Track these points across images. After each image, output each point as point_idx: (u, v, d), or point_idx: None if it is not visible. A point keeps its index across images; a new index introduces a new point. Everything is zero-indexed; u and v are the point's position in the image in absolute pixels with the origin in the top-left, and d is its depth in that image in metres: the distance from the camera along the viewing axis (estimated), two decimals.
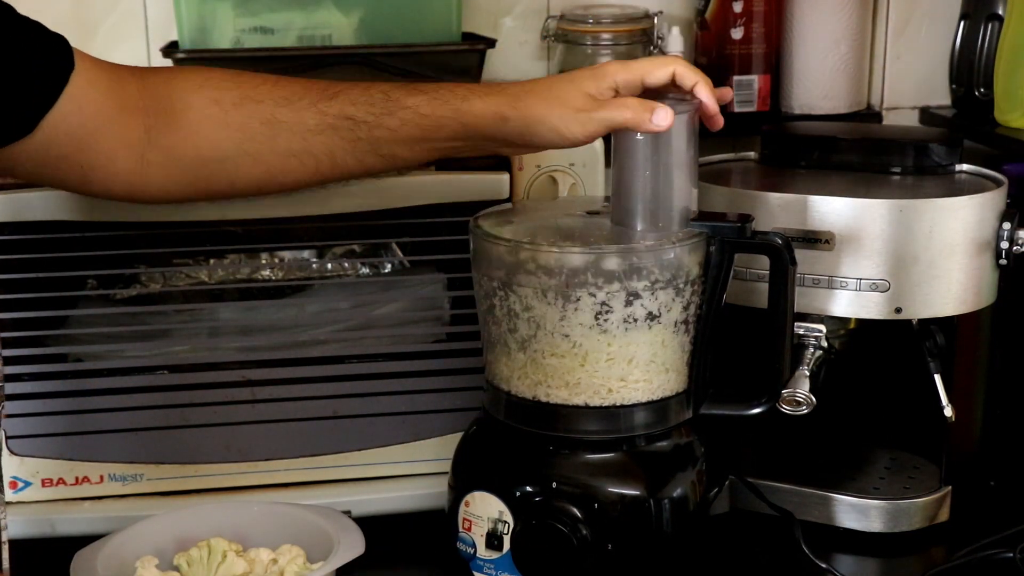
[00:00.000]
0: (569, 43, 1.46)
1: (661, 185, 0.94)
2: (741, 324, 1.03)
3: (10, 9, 0.88)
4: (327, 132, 0.95)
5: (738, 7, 1.46)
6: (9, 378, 1.05)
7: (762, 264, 0.98)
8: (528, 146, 0.97)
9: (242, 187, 0.97)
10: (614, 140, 0.95)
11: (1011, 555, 1.00)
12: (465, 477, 0.99)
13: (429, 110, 0.94)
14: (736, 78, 1.48)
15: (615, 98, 0.93)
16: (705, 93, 0.94)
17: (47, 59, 0.88)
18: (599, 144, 1.08)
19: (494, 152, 1.00)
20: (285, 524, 1.01)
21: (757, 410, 1.00)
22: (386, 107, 0.94)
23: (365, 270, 1.15)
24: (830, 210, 1.03)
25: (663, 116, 0.91)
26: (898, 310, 1.03)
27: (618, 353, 0.94)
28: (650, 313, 0.93)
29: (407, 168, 1.01)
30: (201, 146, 0.94)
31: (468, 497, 0.97)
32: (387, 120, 0.94)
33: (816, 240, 1.03)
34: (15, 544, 0.90)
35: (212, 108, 0.94)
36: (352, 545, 0.96)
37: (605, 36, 1.44)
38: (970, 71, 1.50)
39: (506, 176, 1.07)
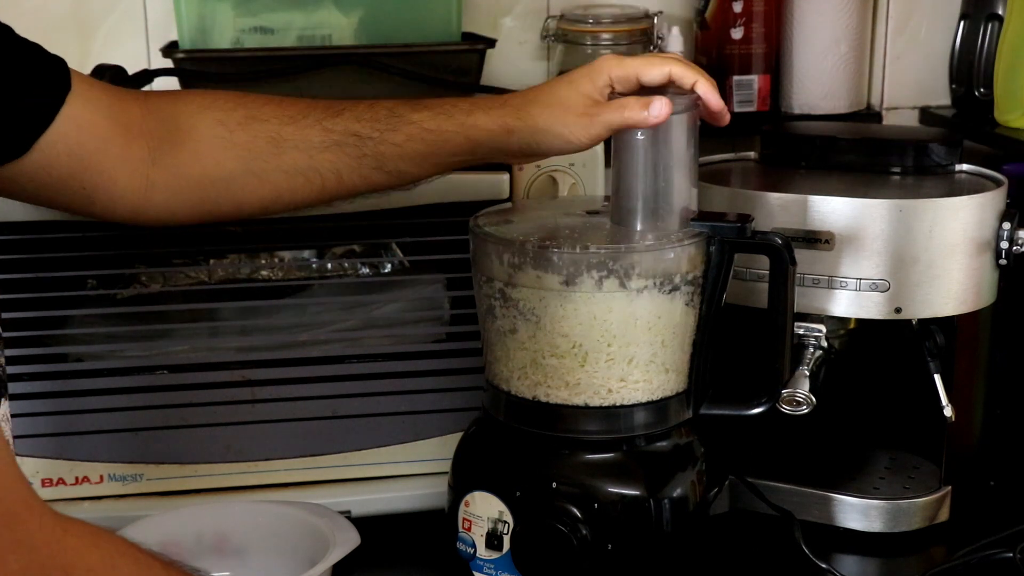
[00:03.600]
0: (569, 43, 1.46)
1: (661, 185, 0.94)
2: (741, 324, 1.03)
3: (9, 30, 0.88)
4: (332, 149, 0.94)
5: (738, 7, 1.46)
6: (10, 378, 1.05)
7: (762, 264, 0.98)
8: (534, 155, 0.97)
9: (248, 208, 0.97)
10: (614, 139, 0.95)
11: (1011, 555, 1.00)
12: (465, 477, 0.99)
13: (434, 125, 0.94)
14: (736, 78, 1.48)
15: (614, 100, 0.93)
16: (706, 89, 0.93)
17: (44, 80, 0.88)
18: (599, 144, 1.08)
19: (501, 161, 0.99)
20: (277, 523, 1.01)
21: (757, 410, 1.00)
22: (391, 123, 0.94)
23: (365, 270, 1.15)
24: (830, 210, 1.03)
25: (659, 108, 0.90)
26: (898, 310, 1.03)
27: (618, 353, 0.94)
28: (650, 313, 0.93)
29: (412, 184, 1.00)
30: (207, 166, 0.94)
31: (468, 497, 0.97)
32: (392, 136, 0.94)
33: (816, 240, 1.03)
34: None
35: (217, 128, 0.94)
36: (347, 541, 0.96)
37: (605, 36, 1.44)
38: (970, 71, 1.50)
39: (506, 176, 1.07)
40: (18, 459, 1.06)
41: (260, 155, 0.94)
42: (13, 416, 1.05)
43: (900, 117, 1.58)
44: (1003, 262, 1.05)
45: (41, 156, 0.88)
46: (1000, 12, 1.45)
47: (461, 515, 0.98)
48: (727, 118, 0.95)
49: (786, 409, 1.01)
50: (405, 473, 1.12)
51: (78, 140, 0.90)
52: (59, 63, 0.90)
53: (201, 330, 1.10)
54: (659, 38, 1.46)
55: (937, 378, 1.07)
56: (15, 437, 1.06)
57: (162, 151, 0.94)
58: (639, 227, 0.95)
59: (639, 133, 0.93)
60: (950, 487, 1.10)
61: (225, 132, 0.94)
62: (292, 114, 0.95)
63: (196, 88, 1.07)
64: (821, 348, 1.06)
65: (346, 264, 1.15)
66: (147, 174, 0.93)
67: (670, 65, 0.93)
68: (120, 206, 0.94)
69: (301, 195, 0.96)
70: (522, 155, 0.97)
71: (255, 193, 0.95)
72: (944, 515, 1.10)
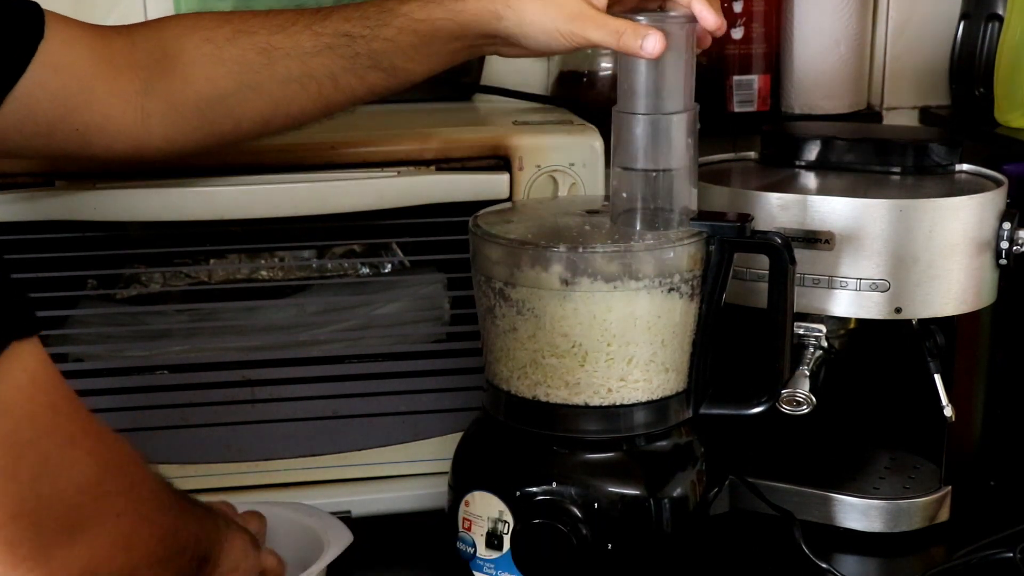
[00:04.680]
0: None
1: (661, 185, 0.94)
2: (741, 324, 1.03)
3: None
4: (325, 52, 0.93)
5: (738, 7, 1.46)
6: None
7: (762, 264, 0.98)
8: (520, 48, 0.96)
9: (248, 124, 0.96)
10: (613, 139, 0.95)
11: (1011, 555, 1.00)
12: (465, 477, 0.99)
13: (424, 14, 0.93)
14: (736, 78, 1.48)
15: (610, 18, 0.91)
16: (701, 7, 0.92)
17: (12, 32, 0.86)
18: (599, 144, 1.08)
19: (493, 53, 0.98)
20: (270, 523, 1.01)
21: (757, 410, 1.00)
22: (380, 18, 0.93)
23: (365, 270, 1.15)
24: (830, 210, 1.03)
25: (653, 43, 0.89)
26: (898, 310, 1.03)
27: (618, 353, 0.94)
28: (650, 313, 0.93)
29: (411, 82, 0.98)
30: (200, 87, 0.93)
31: (468, 497, 0.97)
32: (383, 31, 0.93)
33: (816, 240, 1.03)
34: None
35: (206, 47, 0.93)
36: (340, 540, 0.96)
37: None
38: (970, 71, 1.50)
39: (506, 176, 1.07)
40: None
41: (252, 67, 0.93)
42: None
43: (900, 117, 1.58)
44: (1003, 262, 1.05)
45: (20, 106, 0.87)
46: (1000, 12, 1.45)
47: (461, 515, 0.98)
48: (723, 30, 0.93)
49: (786, 409, 1.01)
50: (405, 473, 1.12)
51: (59, 84, 0.88)
52: (32, 10, 0.88)
53: (201, 330, 1.10)
54: None
55: (937, 378, 1.07)
56: None
57: (153, 80, 0.92)
58: (639, 227, 0.95)
59: (638, 130, 0.93)
60: (950, 487, 1.10)
61: (214, 49, 0.93)
62: (280, 23, 0.94)
63: None
64: (821, 348, 1.06)
65: (346, 264, 1.16)
66: (142, 105, 0.92)
67: None
68: (119, 143, 0.93)
69: (298, 104, 0.95)
70: (509, 45, 0.95)
71: (253, 107, 0.94)
72: (944, 515, 1.10)
